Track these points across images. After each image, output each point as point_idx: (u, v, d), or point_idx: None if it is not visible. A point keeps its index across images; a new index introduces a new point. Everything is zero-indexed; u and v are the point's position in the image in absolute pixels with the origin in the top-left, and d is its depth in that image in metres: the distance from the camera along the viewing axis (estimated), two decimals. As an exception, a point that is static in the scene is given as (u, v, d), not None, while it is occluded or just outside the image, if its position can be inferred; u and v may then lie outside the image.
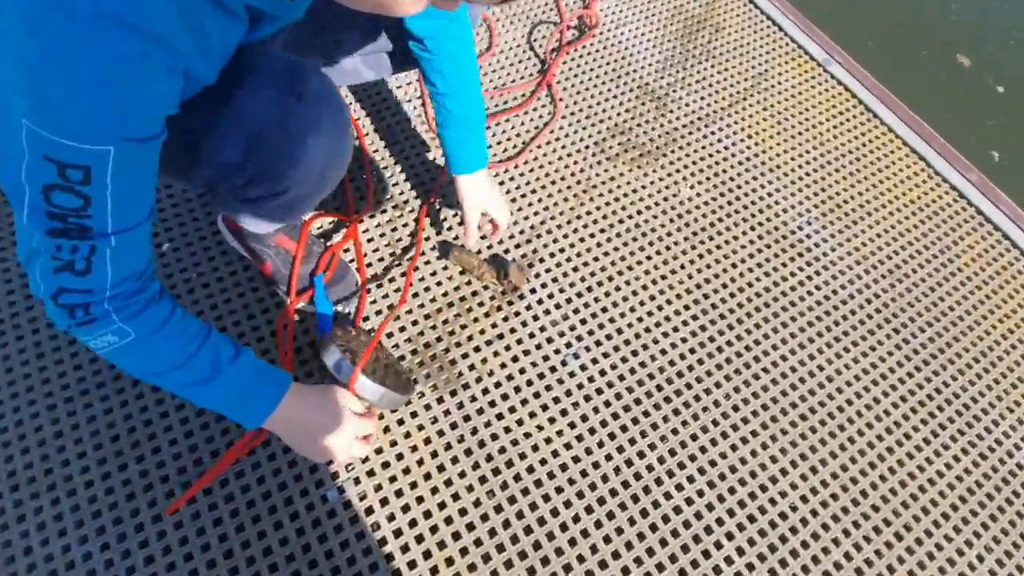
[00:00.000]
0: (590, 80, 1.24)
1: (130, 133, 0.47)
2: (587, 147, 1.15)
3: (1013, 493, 0.89)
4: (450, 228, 1.02)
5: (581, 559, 0.78)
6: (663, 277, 1.02)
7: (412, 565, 0.76)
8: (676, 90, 1.25)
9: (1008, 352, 1.02)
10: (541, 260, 1.00)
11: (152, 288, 0.58)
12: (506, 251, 1.01)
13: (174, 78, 0.48)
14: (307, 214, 0.87)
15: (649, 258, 1.03)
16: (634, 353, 0.94)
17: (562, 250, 1.02)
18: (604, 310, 0.97)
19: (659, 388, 0.91)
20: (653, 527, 0.81)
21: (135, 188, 0.51)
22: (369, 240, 0.99)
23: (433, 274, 0.97)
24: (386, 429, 0.84)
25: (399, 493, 0.80)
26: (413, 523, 0.78)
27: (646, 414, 0.89)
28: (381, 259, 0.98)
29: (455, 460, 0.83)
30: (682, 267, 1.03)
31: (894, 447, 0.91)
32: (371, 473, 0.80)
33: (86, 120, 0.44)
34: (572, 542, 0.79)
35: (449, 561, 0.76)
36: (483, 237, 1.00)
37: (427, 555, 0.77)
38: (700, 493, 0.84)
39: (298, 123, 0.63)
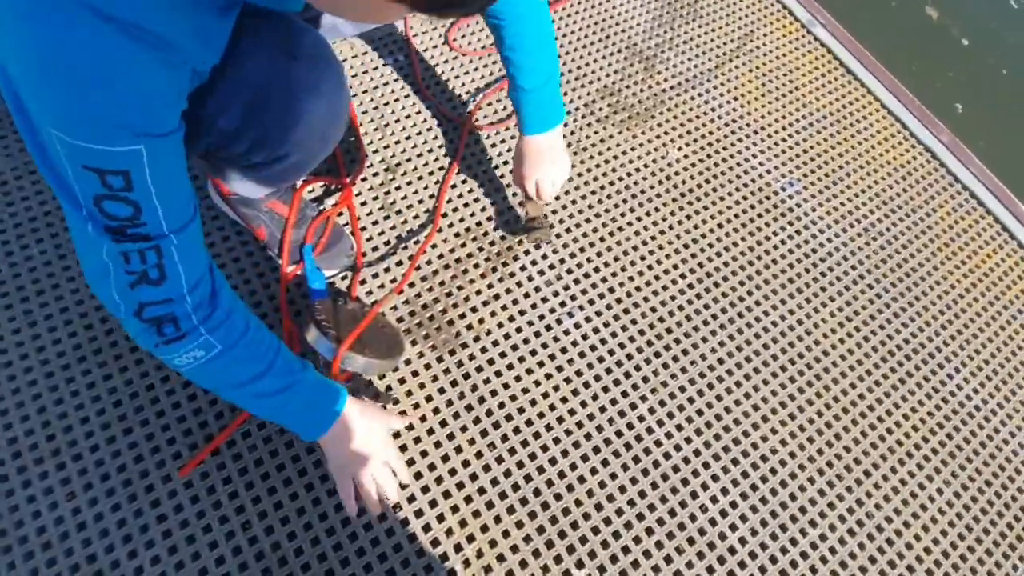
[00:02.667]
0: (579, 41, 1.23)
1: (153, 129, 0.47)
2: (577, 109, 1.15)
3: (970, 432, 0.97)
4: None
5: (579, 503, 0.83)
6: (652, 238, 1.05)
7: (419, 513, 0.80)
8: (664, 51, 1.25)
9: (971, 304, 1.09)
10: (517, 219, 1.02)
11: (229, 297, 0.59)
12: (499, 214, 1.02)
13: (182, 73, 0.48)
14: (302, 178, 0.87)
15: (639, 219, 1.06)
16: (625, 311, 0.97)
17: (554, 212, 1.04)
18: (596, 270, 1.00)
19: (649, 344, 0.95)
20: (645, 472, 0.86)
21: (176, 185, 0.50)
22: (363, 204, 0.99)
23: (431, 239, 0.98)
24: (388, 388, 0.87)
25: (403, 448, 0.83)
26: (418, 475, 0.82)
27: (637, 368, 0.93)
28: (375, 222, 0.98)
29: (456, 415, 0.86)
30: (670, 227, 1.06)
31: (865, 393, 0.97)
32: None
33: (107, 121, 0.44)
34: (570, 488, 0.84)
35: (454, 508, 0.80)
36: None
37: (432, 504, 0.80)
38: (688, 440, 0.89)
39: (295, 83, 0.62)
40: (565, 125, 1.12)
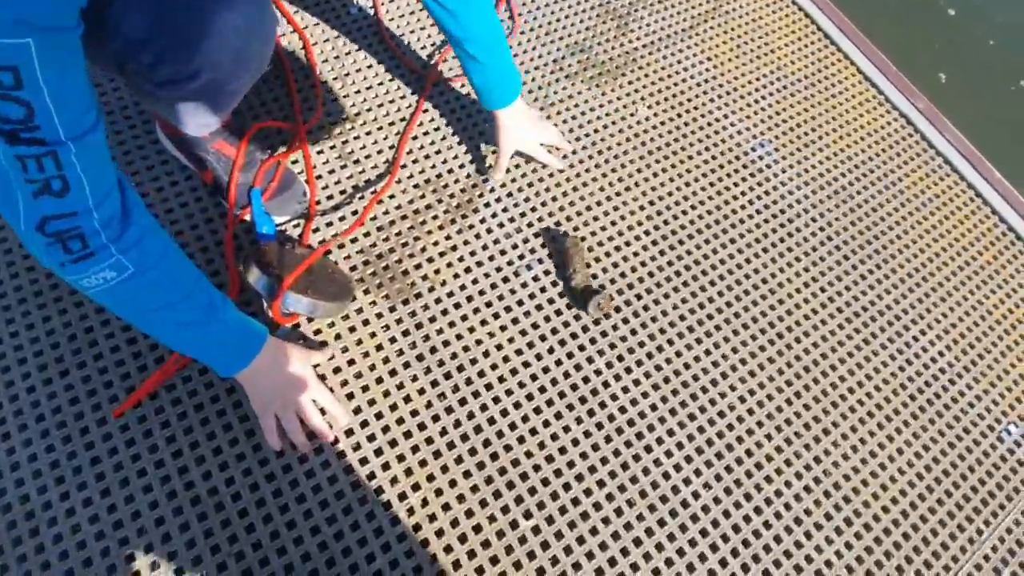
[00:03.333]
0: (550, -4, 1.20)
1: (43, 22, 0.43)
2: (545, 64, 1.12)
3: (934, 394, 0.96)
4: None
5: (529, 454, 0.81)
6: (617, 194, 1.03)
7: (363, 461, 0.78)
8: (638, 8, 1.22)
9: (939, 268, 1.07)
10: (484, 178, 0.99)
11: (145, 219, 0.56)
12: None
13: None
14: (231, 107, 0.81)
15: (604, 175, 1.04)
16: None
17: (517, 166, 1.01)
18: (557, 224, 0.98)
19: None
20: (599, 425, 0.85)
21: (72, 87, 0.47)
22: (319, 152, 0.97)
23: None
24: (337, 336, 0.84)
25: (350, 396, 0.81)
26: (364, 423, 0.80)
27: (596, 322, 0.91)
28: (331, 171, 0.96)
29: (407, 365, 0.84)
30: (636, 184, 1.04)
31: (828, 353, 0.96)
32: (322, 377, 0.81)
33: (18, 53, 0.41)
34: (521, 439, 0.82)
35: (400, 457, 0.79)
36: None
37: (378, 452, 0.78)
38: (644, 395, 0.88)
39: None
40: (533, 80, 1.10)
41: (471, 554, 0.75)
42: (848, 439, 0.90)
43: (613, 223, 1.00)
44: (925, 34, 1.75)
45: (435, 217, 0.95)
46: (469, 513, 0.77)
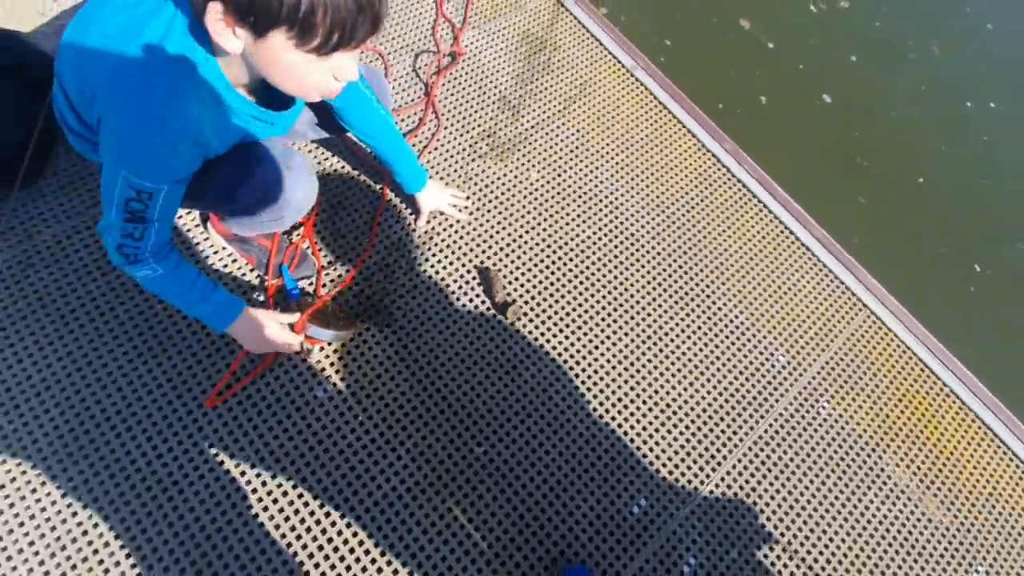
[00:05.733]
0: (463, 97, 1.70)
1: (175, 178, 0.91)
2: (463, 148, 1.63)
3: (730, 335, 1.51)
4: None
5: (467, 403, 1.32)
6: (520, 236, 1.54)
7: (378, 438, 1.27)
8: (526, 99, 1.74)
9: (738, 260, 1.63)
10: (431, 237, 1.50)
11: (173, 252, 1.03)
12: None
13: (199, 153, 0.92)
14: None
15: (509, 224, 1.55)
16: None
17: (445, 228, 1.52)
18: (481, 262, 1.49)
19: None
20: (513, 380, 1.36)
21: (171, 201, 0.93)
22: (318, 233, 1.45)
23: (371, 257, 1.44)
24: (348, 351, 1.33)
25: (362, 387, 1.30)
26: (360, 404, 1.29)
27: (512, 324, 1.43)
28: (328, 245, 1.44)
29: (389, 369, 1.34)
30: (532, 228, 1.56)
31: (666, 316, 1.50)
32: (343, 379, 1.30)
33: (155, 174, 0.88)
34: (463, 391, 1.33)
35: (392, 414, 1.28)
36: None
37: (377, 427, 1.28)
38: (545, 360, 1.40)
39: (290, 183, 1.07)
40: (457, 161, 1.60)
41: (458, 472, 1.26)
42: (676, 365, 1.44)
43: (519, 256, 1.51)
44: (749, 66, 2.31)
45: (400, 267, 1.45)
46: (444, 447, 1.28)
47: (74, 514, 1.12)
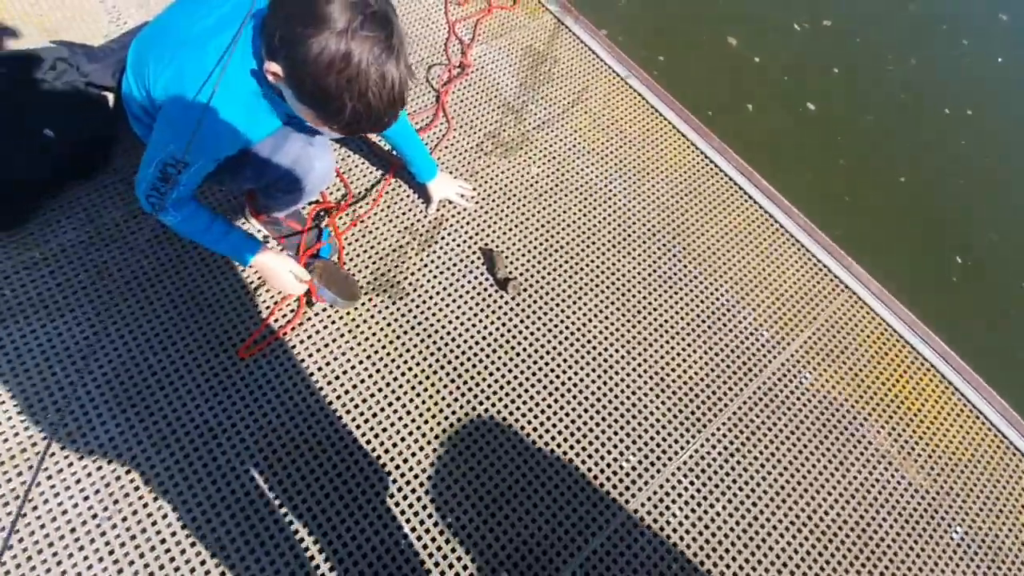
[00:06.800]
0: (471, 102, 1.89)
1: (212, 158, 1.09)
2: (471, 147, 1.80)
3: (714, 312, 1.63)
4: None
5: (471, 366, 1.45)
6: (521, 221, 1.69)
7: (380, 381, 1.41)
8: (528, 104, 1.92)
9: (723, 244, 1.75)
10: (441, 222, 1.66)
11: (190, 203, 1.19)
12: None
13: (238, 142, 1.11)
14: (306, 205, 1.49)
15: (511, 211, 1.71)
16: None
17: (454, 215, 1.68)
18: (485, 244, 1.64)
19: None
20: (512, 348, 1.49)
21: (200, 173, 1.11)
22: (343, 223, 1.62)
23: (380, 230, 1.61)
24: (364, 319, 1.48)
25: (375, 351, 1.44)
26: (375, 366, 1.43)
27: (512, 298, 1.57)
28: (352, 232, 1.61)
29: (401, 336, 1.48)
30: (533, 215, 1.71)
31: (654, 293, 1.62)
32: (360, 343, 1.44)
33: (197, 153, 1.06)
34: (468, 357, 1.46)
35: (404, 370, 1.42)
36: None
37: (388, 385, 1.42)
38: (539, 334, 1.52)
39: (311, 157, 1.25)
40: (466, 159, 1.78)
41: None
42: (664, 338, 1.56)
43: (520, 239, 1.66)
44: (736, 78, 2.49)
45: (412, 248, 1.61)
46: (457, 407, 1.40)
47: (119, 455, 1.27)
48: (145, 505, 1.22)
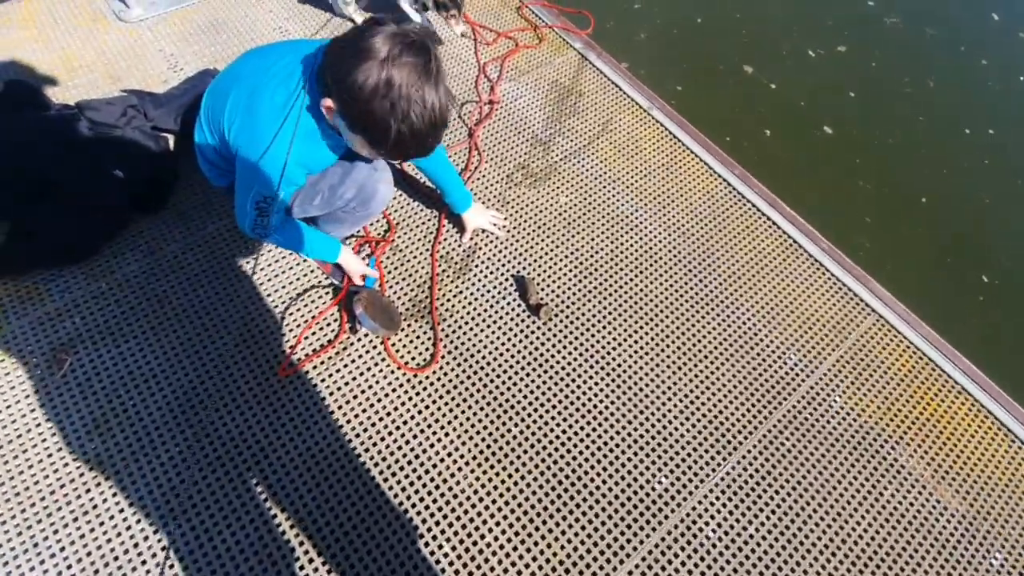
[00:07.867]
0: (501, 136, 1.99)
1: (289, 189, 1.20)
2: (501, 179, 1.89)
3: (740, 336, 1.66)
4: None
5: (506, 391, 1.51)
6: (551, 249, 1.76)
7: (413, 399, 1.47)
8: (555, 137, 2.01)
9: (743, 266, 1.80)
10: (475, 251, 1.74)
11: (289, 221, 1.34)
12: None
13: (303, 173, 1.22)
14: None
15: (542, 239, 1.78)
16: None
17: (487, 243, 1.76)
18: (517, 271, 1.71)
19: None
20: (545, 371, 1.54)
21: (285, 200, 1.24)
22: (386, 256, 1.71)
23: (416, 263, 1.70)
24: (404, 344, 1.56)
25: (414, 374, 1.51)
26: (414, 388, 1.50)
27: (544, 323, 1.63)
28: (393, 261, 1.70)
29: (438, 360, 1.55)
30: (562, 243, 1.78)
31: (682, 317, 1.66)
32: (396, 378, 1.51)
33: (275, 188, 1.18)
34: (502, 380, 1.52)
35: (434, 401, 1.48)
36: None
37: (428, 407, 1.48)
38: (571, 358, 1.58)
39: (376, 181, 1.37)
40: (497, 189, 1.86)
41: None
42: (692, 362, 1.60)
43: (551, 266, 1.73)
44: (752, 104, 2.55)
45: (448, 276, 1.68)
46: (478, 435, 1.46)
47: (178, 473, 1.35)
48: (203, 522, 1.30)
